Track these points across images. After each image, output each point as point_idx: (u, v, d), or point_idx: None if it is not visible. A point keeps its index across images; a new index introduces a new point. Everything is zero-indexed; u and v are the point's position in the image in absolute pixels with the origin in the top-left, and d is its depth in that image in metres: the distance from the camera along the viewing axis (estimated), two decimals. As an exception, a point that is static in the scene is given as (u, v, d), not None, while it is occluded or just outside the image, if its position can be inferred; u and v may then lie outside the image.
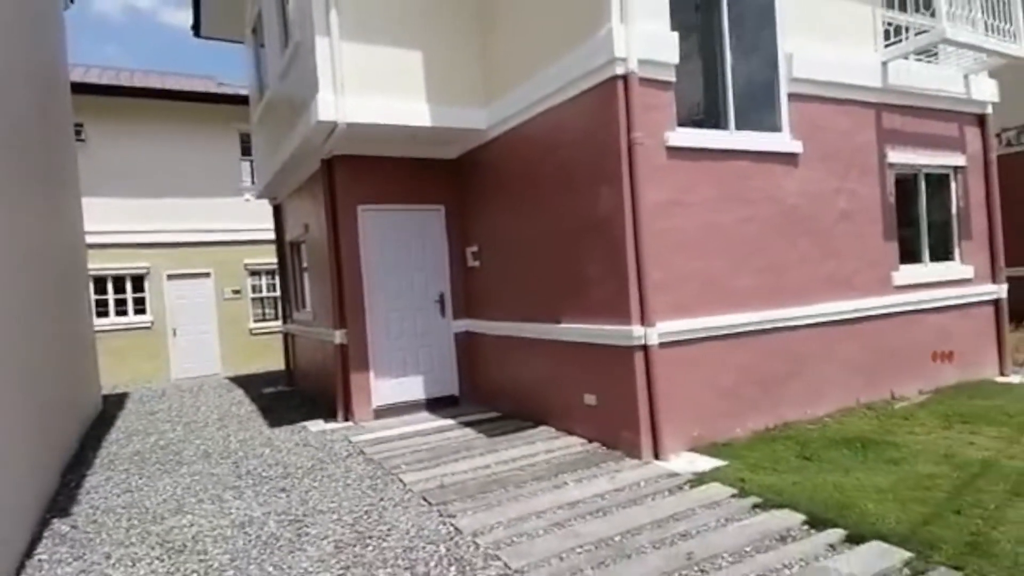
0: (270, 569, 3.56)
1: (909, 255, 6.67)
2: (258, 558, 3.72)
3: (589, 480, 4.61)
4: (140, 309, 13.14)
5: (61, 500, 5.16)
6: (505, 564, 3.37)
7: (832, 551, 3.25)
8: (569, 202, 5.56)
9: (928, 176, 6.83)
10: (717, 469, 4.59)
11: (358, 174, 7.19)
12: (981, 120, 7.16)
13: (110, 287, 12.79)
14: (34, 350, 5.26)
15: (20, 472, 4.32)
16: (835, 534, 3.41)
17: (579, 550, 3.48)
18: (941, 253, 6.94)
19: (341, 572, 3.45)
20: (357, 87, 6.29)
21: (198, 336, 13.61)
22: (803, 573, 3.04)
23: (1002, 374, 7.10)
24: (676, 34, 5.07)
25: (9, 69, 5.23)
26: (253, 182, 14.23)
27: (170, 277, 13.33)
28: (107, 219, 12.27)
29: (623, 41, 4.83)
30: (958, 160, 6.95)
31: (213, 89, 14.37)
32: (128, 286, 13.03)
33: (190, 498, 4.95)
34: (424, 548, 3.67)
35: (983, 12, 6.54)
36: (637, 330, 4.88)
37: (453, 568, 3.39)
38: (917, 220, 6.77)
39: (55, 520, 4.66)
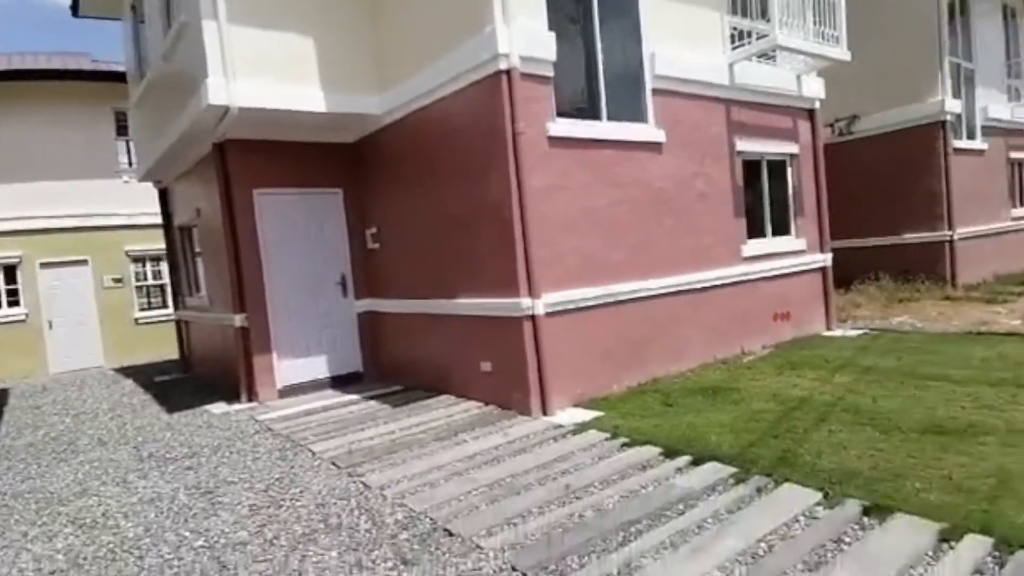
0: (186, 534, 3.82)
1: (755, 230, 7.73)
2: (172, 527, 3.96)
3: (485, 436, 5.18)
4: (13, 301, 12.21)
5: (-39, 492, 5.04)
6: (410, 509, 3.86)
7: (679, 472, 4.00)
8: (462, 186, 6.03)
9: (770, 162, 7.92)
10: (595, 419, 5.30)
11: (253, 158, 7.23)
12: (811, 114, 8.36)
13: (-28, 278, 11.78)
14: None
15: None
16: (683, 460, 4.18)
17: (475, 492, 4.02)
18: (781, 228, 8.09)
19: (258, 530, 3.79)
20: (249, 71, 6.36)
21: (76, 327, 12.83)
22: (655, 490, 3.76)
23: (828, 329, 8.43)
24: (553, 33, 5.62)
25: None
26: (131, 163, 13.49)
27: (43, 265, 12.43)
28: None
29: (506, 38, 5.32)
30: (793, 148, 8.10)
31: (86, 66, 13.36)
32: (0, 277, 12.03)
33: (92, 481, 5.01)
34: (336, 503, 4.08)
35: (815, 20, 7.63)
36: (525, 302, 5.46)
37: (363, 516, 3.83)
38: (761, 200, 7.85)
39: (-38, 507, 4.61)
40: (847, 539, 2.97)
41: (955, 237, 11.07)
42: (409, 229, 7.04)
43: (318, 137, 7.55)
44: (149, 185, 10.42)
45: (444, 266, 6.47)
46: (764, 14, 7.06)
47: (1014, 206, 13.10)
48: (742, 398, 5.48)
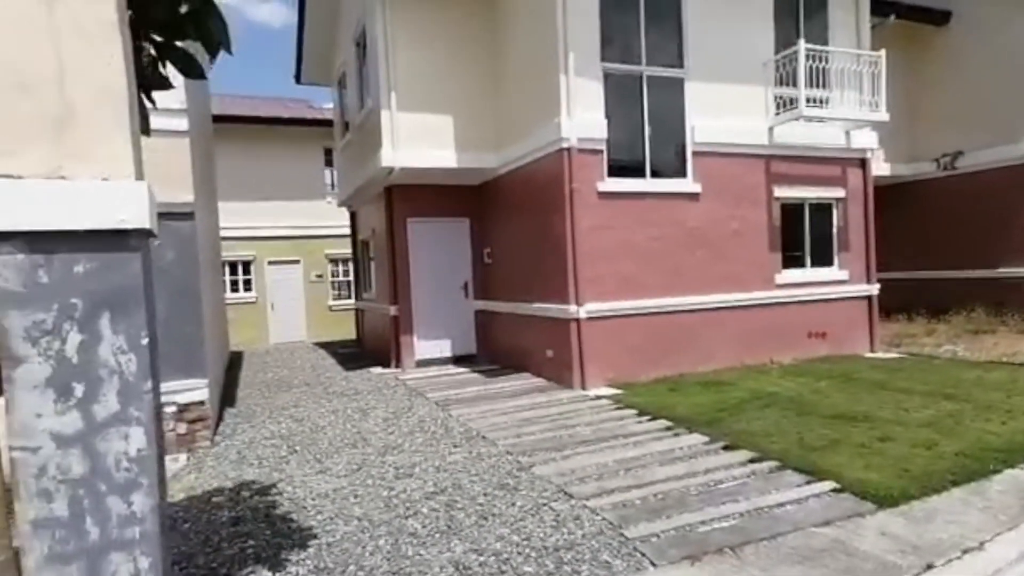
0: (349, 427, 6.76)
1: (795, 261, 9.21)
2: (342, 424, 6.93)
3: (534, 397, 7.61)
4: (247, 288, 16.95)
5: (228, 401, 8.60)
6: (469, 426, 6.43)
7: (638, 423, 6.12)
8: (539, 224, 8.50)
9: (813, 205, 9.32)
10: (613, 394, 7.47)
11: (409, 197, 10.34)
12: (862, 162, 9.55)
13: (227, 270, 16.60)
14: (216, 311, 8.71)
15: (215, 383, 7.73)
16: (646, 418, 6.28)
17: (509, 422, 6.50)
18: (823, 260, 9.42)
19: (385, 428, 6.61)
20: (408, 142, 9.39)
21: (289, 310, 17.32)
22: (615, 429, 5.94)
23: (872, 351, 9.52)
24: (605, 120, 7.90)
25: (204, 114, 8.64)
26: (333, 187, 17.76)
27: (270, 263, 17.06)
28: (223, 218, 15.98)
29: (568, 127, 7.71)
30: (839, 193, 9.39)
31: (308, 114, 17.93)
32: (240, 269, 16.85)
33: (303, 402, 8.28)
34: (429, 421, 6.79)
35: (867, 90, 9.02)
36: (572, 308, 7.79)
37: (442, 427, 6.49)
38: (802, 236, 9.28)
39: (228, 408, 8.09)
40: (698, 456, 5.00)
41: (1054, 274, 11.15)
42: (510, 251, 9.66)
43: (453, 181, 10.46)
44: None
45: (527, 279, 8.99)
46: (818, 84, 8.61)
47: None
48: (729, 390, 7.29)
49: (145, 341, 1.96)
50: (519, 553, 3.57)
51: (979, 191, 12.07)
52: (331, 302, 17.87)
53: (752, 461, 4.83)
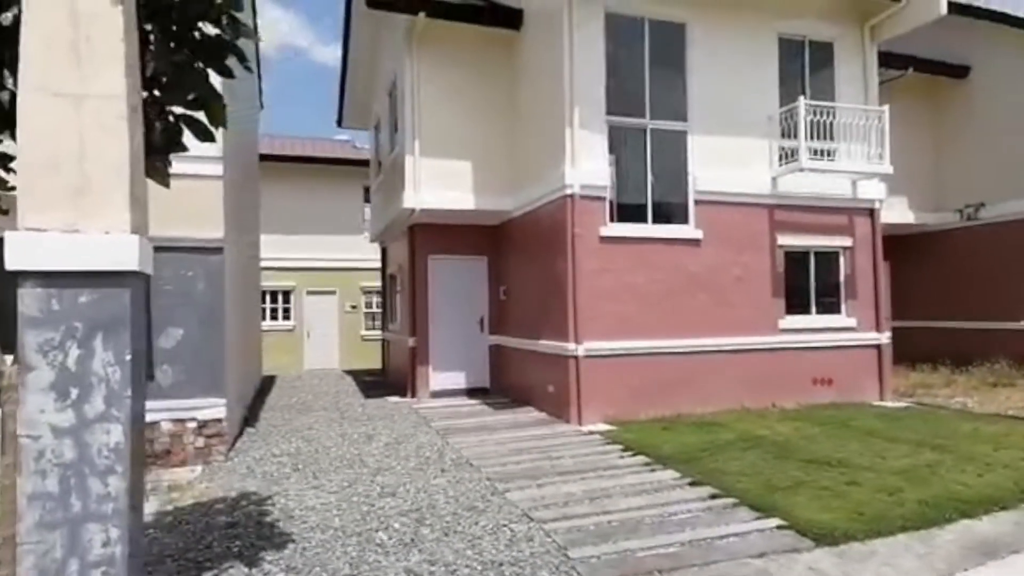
0: (353, 449, 7.25)
1: (800, 307, 9.34)
2: (348, 446, 7.43)
3: (531, 430, 7.95)
4: (286, 316, 17.90)
5: (250, 421, 9.24)
6: (461, 453, 6.83)
7: (621, 458, 6.40)
8: (545, 265, 8.96)
9: (819, 253, 9.47)
10: (607, 431, 7.74)
11: (430, 236, 10.99)
12: (870, 212, 9.67)
13: (267, 298, 17.61)
14: (246, 337, 9.44)
15: (236, 403, 8.38)
16: (628, 454, 6.54)
17: (499, 451, 6.87)
18: (829, 307, 9.51)
19: (385, 452, 7.07)
20: (429, 185, 10.07)
21: (324, 338, 18.15)
22: (598, 462, 6.23)
23: (881, 399, 9.46)
24: (608, 169, 8.37)
25: (247, 155, 9.53)
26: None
27: (308, 293, 18.01)
28: (266, 249, 17.02)
29: (571, 176, 8.20)
30: (846, 242, 9.52)
31: (350, 154, 19.10)
32: (280, 298, 17.84)
33: (317, 425, 8.84)
34: (427, 447, 7.22)
35: (873, 143, 9.24)
36: (571, 346, 8.16)
37: (436, 453, 6.90)
38: (808, 283, 9.41)
39: (248, 428, 8.71)
40: (663, 490, 5.27)
41: (1084, 328, 10.85)
42: (521, 289, 10.13)
43: (472, 222, 11.06)
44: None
45: (535, 317, 9.41)
46: (824, 136, 8.91)
47: None
48: (720, 432, 7.46)
49: (128, 357, 2.50)
50: (467, 566, 3.93)
51: (1002, 242, 11.91)
52: (363, 332, 18.63)
53: (713, 497, 5.06)
